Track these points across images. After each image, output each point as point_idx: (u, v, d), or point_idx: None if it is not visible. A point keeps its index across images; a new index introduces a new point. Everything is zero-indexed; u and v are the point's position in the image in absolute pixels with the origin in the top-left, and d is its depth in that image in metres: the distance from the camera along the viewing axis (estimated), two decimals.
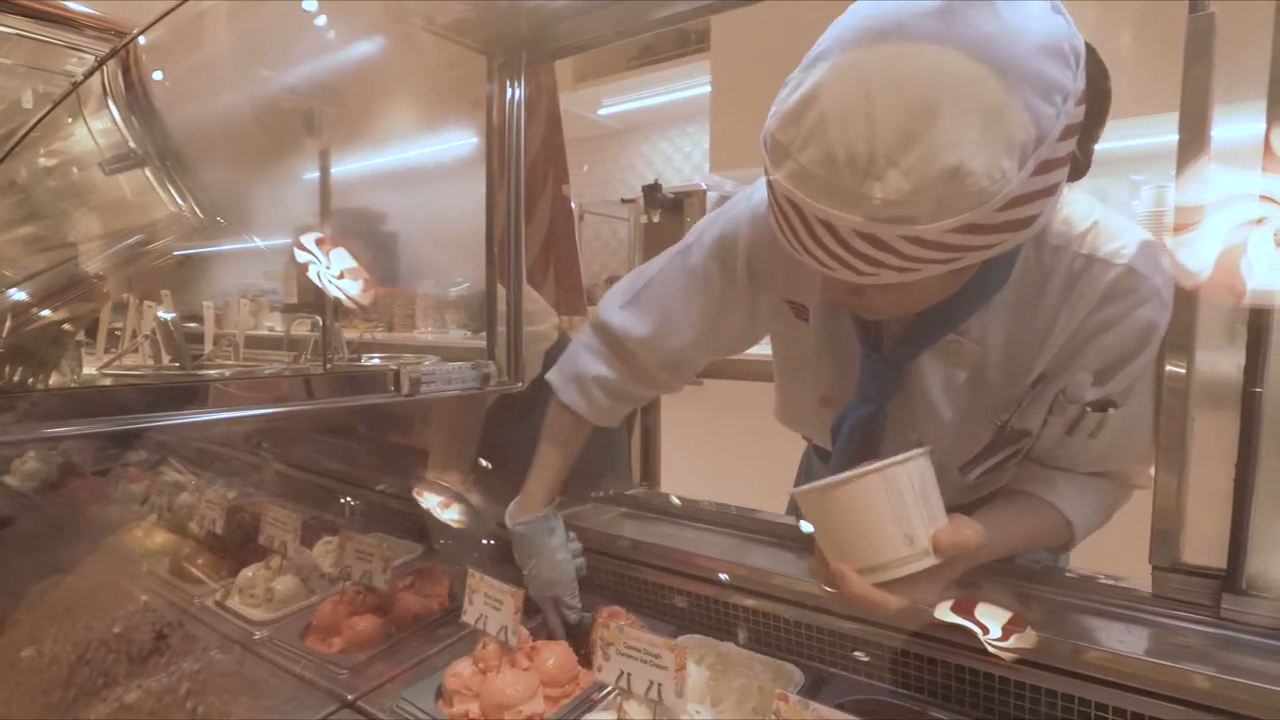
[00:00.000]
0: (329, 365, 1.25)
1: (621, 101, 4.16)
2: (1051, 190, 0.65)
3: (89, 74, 0.79)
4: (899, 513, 0.72)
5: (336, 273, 1.13)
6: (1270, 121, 0.71)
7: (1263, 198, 0.69)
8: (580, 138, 4.71)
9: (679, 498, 1.42)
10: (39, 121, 0.79)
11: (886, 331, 0.90)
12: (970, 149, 0.58)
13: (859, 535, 0.73)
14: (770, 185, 0.68)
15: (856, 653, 1.00)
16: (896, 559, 0.72)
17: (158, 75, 1.09)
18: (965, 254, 0.64)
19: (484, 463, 1.68)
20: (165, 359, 1.44)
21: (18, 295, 0.94)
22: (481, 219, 1.44)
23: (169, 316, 1.30)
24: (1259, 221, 0.73)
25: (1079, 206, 0.82)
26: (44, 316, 0.97)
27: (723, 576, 1.12)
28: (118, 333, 1.72)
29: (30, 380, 0.94)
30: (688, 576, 1.16)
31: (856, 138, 0.59)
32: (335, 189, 1.59)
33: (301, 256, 1.14)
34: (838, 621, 1.02)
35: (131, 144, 0.93)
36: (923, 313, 0.82)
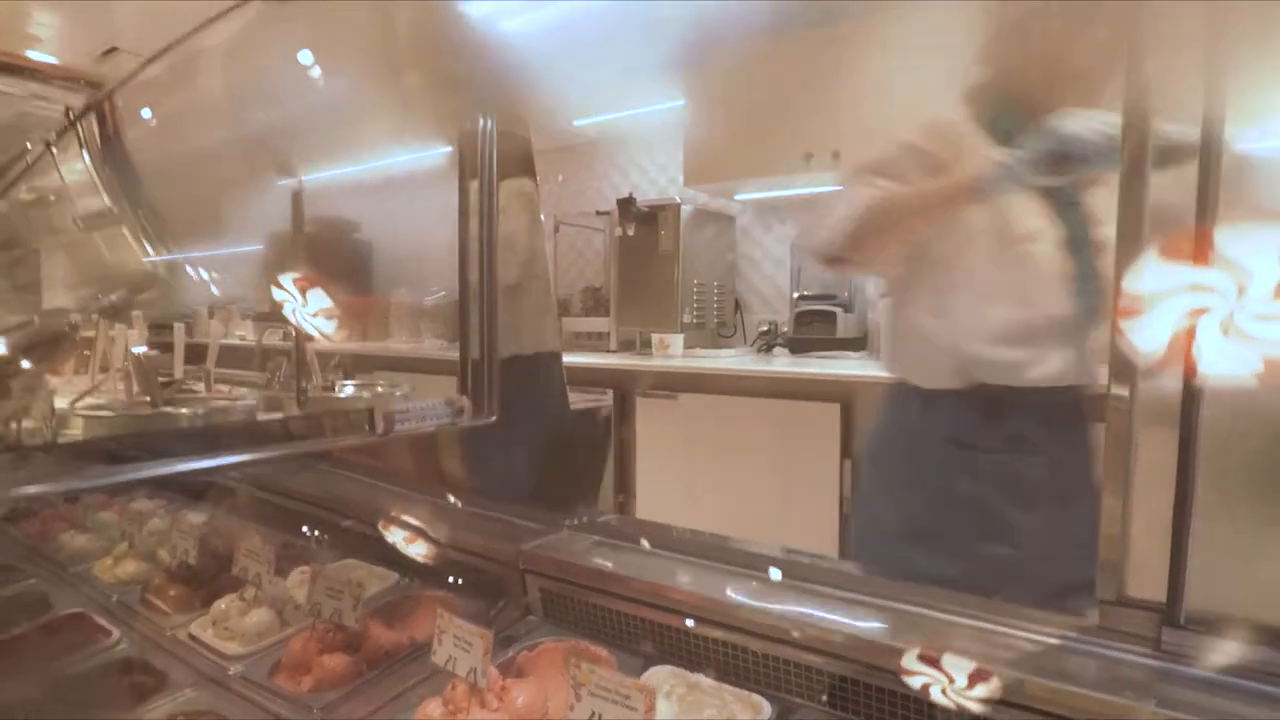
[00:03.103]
0: (304, 402, 1.25)
1: (597, 112, 4.17)
2: None
3: (63, 131, 0.80)
4: None
5: (312, 312, 1.15)
6: (1203, 219, 0.76)
7: (1199, 288, 0.74)
8: (555, 148, 4.72)
9: (651, 524, 1.45)
10: (13, 181, 0.80)
11: None
12: None
13: None
14: None
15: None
16: None
17: (146, 113, 1.09)
18: None
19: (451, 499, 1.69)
20: (135, 390, 1.44)
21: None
22: (452, 227, 1.45)
23: (141, 350, 1.29)
24: (1202, 311, 0.79)
25: None
26: (24, 368, 0.97)
27: (689, 620, 1.14)
28: (86, 353, 1.70)
29: (12, 425, 0.94)
30: (659, 609, 1.19)
31: None
32: (308, 197, 1.58)
33: (279, 295, 1.15)
34: (805, 655, 1.05)
35: (107, 200, 0.93)
36: None
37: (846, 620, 1.04)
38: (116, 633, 1.38)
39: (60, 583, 1.62)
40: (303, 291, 1.14)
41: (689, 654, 1.16)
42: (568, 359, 2.18)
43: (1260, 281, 0.71)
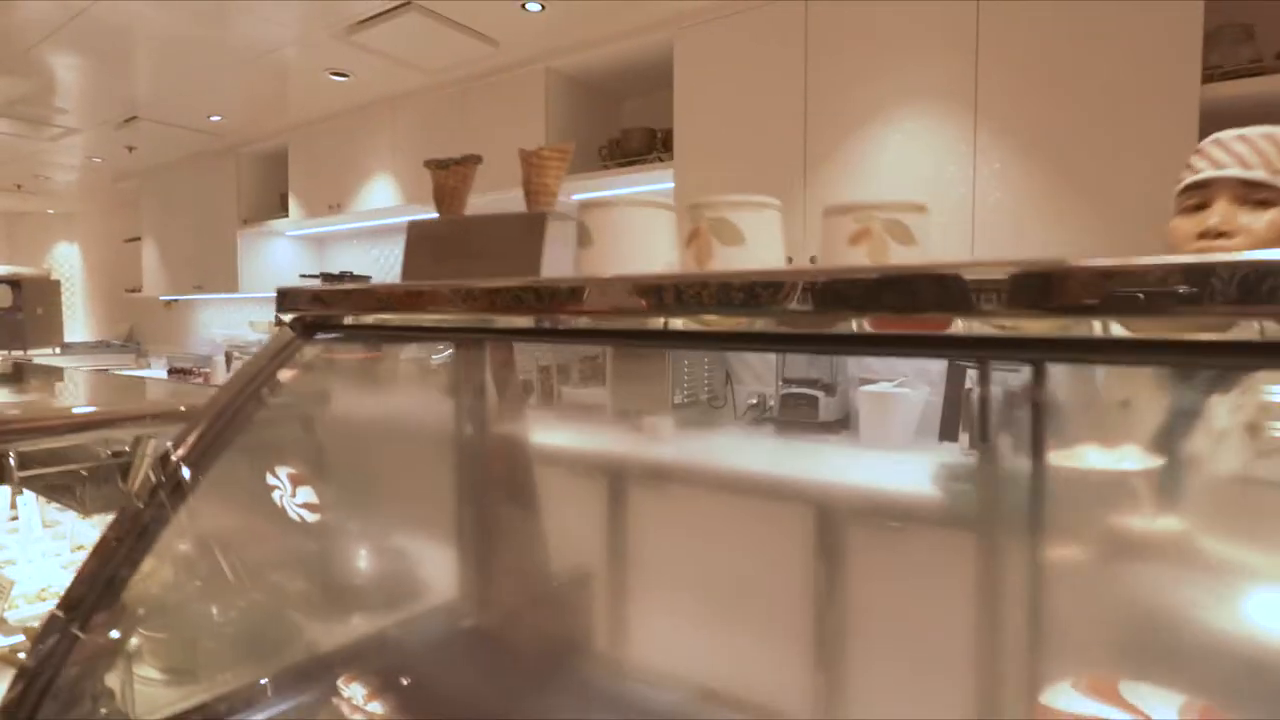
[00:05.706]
0: None
1: (591, 191, 4.33)
2: None
3: (167, 470, 0.95)
4: None
5: (300, 502, 1.28)
6: None
7: None
8: None
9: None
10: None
11: None
12: None
13: None
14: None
15: None
16: None
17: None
18: None
19: None
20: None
21: None
22: None
23: None
24: None
25: None
26: None
27: None
28: None
29: None
30: None
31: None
32: None
33: (270, 480, 1.28)
34: None
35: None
36: None
37: None
38: None
39: None
40: (294, 485, 1.27)
41: None
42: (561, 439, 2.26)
43: None
